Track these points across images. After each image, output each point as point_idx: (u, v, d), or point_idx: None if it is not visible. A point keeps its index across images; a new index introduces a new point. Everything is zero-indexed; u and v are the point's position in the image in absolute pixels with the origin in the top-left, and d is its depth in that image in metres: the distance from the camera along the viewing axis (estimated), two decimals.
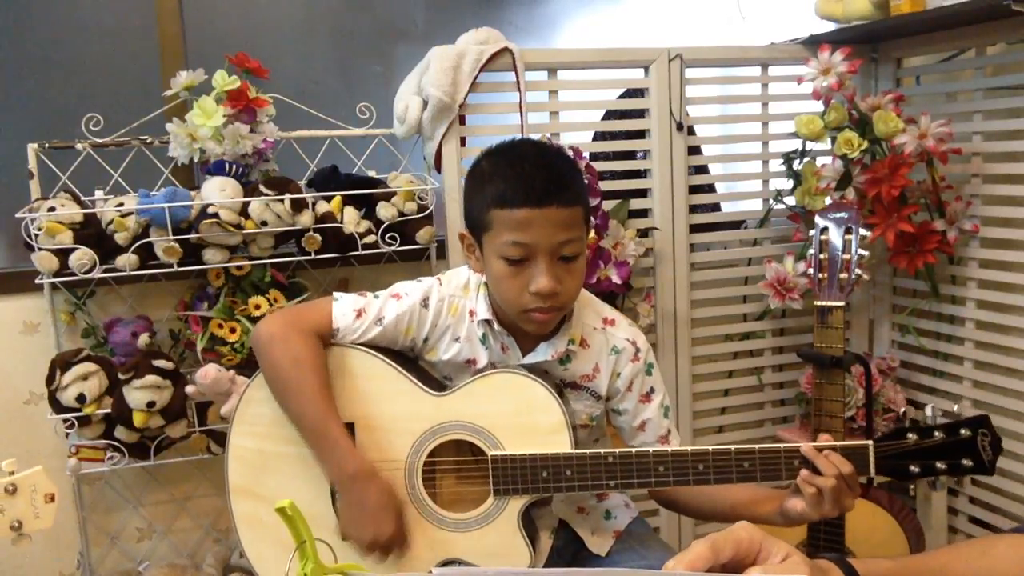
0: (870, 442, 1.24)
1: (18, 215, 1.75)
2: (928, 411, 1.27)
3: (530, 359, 1.35)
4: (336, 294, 1.39)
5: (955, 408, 1.29)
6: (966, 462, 1.21)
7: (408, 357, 1.41)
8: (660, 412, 1.41)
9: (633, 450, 1.28)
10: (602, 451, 1.27)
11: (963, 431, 1.21)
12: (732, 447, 1.25)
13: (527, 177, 1.22)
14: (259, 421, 1.36)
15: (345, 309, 1.36)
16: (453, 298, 1.39)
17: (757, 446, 1.25)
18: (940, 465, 1.22)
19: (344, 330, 1.35)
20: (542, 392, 1.30)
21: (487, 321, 1.35)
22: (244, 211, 1.81)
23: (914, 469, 1.23)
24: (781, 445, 1.25)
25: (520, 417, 1.30)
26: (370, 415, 1.33)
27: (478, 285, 1.38)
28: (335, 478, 1.30)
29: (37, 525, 1.10)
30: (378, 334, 1.36)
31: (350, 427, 1.33)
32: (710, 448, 1.26)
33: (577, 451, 1.28)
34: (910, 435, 1.23)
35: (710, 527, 2.33)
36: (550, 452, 1.28)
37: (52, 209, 1.76)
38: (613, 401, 1.41)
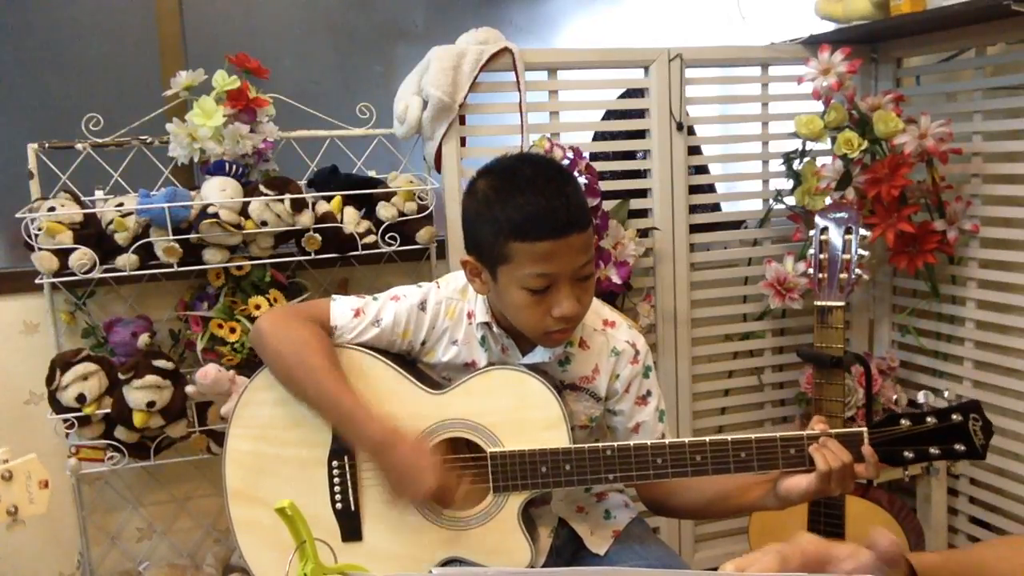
0: (864, 429, 1.25)
1: (18, 215, 1.75)
2: (921, 397, 1.28)
3: (529, 360, 1.35)
4: (334, 296, 1.39)
5: (946, 394, 1.29)
6: (958, 447, 1.23)
7: (406, 359, 1.41)
8: (656, 416, 1.41)
9: (631, 443, 1.28)
10: (600, 444, 1.28)
11: (955, 416, 1.23)
12: (729, 437, 1.26)
13: (547, 208, 1.20)
14: (256, 424, 1.36)
15: (343, 308, 1.37)
16: (451, 301, 1.39)
17: (754, 435, 1.26)
18: (933, 450, 1.24)
19: (342, 328, 1.36)
20: (539, 387, 1.30)
21: (486, 323, 1.35)
22: (244, 211, 1.81)
23: (908, 455, 1.25)
24: (777, 434, 1.26)
25: (517, 413, 1.30)
26: None
27: None
28: (362, 448, 1.30)
29: (32, 511, 1.13)
30: (375, 336, 1.36)
31: None
32: (707, 439, 1.26)
33: (575, 445, 1.28)
34: (903, 421, 1.24)
35: (710, 527, 2.33)
36: (548, 447, 1.28)
37: (52, 209, 1.76)
38: (610, 402, 1.41)
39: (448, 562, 1.31)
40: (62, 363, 1.77)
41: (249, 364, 1.79)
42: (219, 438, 1.91)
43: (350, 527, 1.34)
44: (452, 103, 1.93)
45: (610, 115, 2.19)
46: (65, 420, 1.78)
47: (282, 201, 1.82)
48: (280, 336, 1.31)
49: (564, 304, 1.23)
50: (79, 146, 1.87)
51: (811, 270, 1.72)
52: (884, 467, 1.27)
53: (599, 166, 2.02)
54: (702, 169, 2.23)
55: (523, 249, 1.21)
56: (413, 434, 1.29)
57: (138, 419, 1.77)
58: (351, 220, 1.92)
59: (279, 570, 1.30)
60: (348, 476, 1.33)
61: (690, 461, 1.26)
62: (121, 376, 1.78)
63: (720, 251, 2.27)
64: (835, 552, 0.72)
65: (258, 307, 1.85)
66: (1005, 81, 2.01)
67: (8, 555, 1.96)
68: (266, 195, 1.82)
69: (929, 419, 1.23)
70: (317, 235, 1.87)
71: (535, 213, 1.20)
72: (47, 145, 1.85)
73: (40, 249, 1.75)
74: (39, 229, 1.74)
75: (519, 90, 2.01)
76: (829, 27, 2.19)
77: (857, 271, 1.67)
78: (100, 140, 1.87)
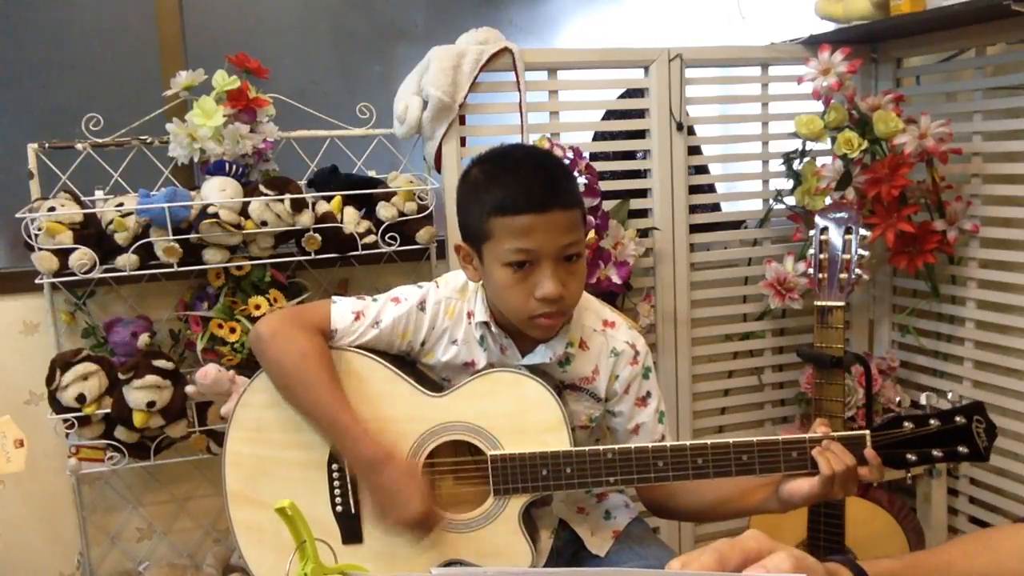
0: (867, 432, 1.24)
1: (18, 215, 1.75)
2: (923, 399, 1.27)
3: (528, 361, 1.35)
4: (334, 297, 1.39)
5: (949, 396, 1.29)
6: (962, 449, 1.23)
7: (405, 360, 1.41)
8: (655, 417, 1.41)
9: (632, 446, 1.28)
10: (601, 447, 1.28)
11: (958, 418, 1.22)
12: (730, 440, 1.25)
13: (527, 183, 1.22)
14: (255, 426, 1.36)
15: (343, 311, 1.36)
16: (450, 300, 1.38)
17: (756, 439, 1.25)
18: (936, 453, 1.23)
19: (342, 332, 1.35)
20: (540, 390, 1.30)
21: (485, 323, 1.35)
22: (244, 211, 1.81)
23: (911, 457, 1.24)
24: (779, 437, 1.25)
25: (518, 416, 1.30)
26: (368, 418, 1.32)
27: (476, 287, 1.38)
28: (353, 466, 1.29)
29: (9, 469, 1.17)
30: (375, 337, 1.36)
31: None
32: (708, 442, 1.26)
33: (576, 448, 1.28)
34: (906, 423, 1.24)
35: (710, 528, 2.32)
36: (549, 450, 1.28)
37: (52, 209, 1.76)
38: (610, 403, 1.41)
39: (449, 564, 1.31)
40: (62, 363, 1.77)
41: (249, 364, 1.79)
42: (219, 438, 1.91)
43: (350, 529, 1.33)
44: (452, 103, 1.93)
45: (610, 115, 2.19)
46: (65, 420, 1.78)
47: (282, 201, 1.82)
48: (280, 346, 1.31)
49: (546, 284, 1.22)
50: (79, 146, 1.87)
51: (811, 270, 1.72)
52: (887, 469, 1.26)
53: (599, 166, 2.02)
54: (702, 169, 2.22)
55: (503, 223, 1.21)
56: (404, 457, 1.29)
57: (138, 419, 1.77)
58: (351, 220, 1.92)
59: (279, 571, 1.30)
60: (348, 479, 1.33)
61: (691, 464, 1.26)
62: (121, 376, 1.78)
63: (720, 251, 2.27)
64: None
65: (258, 307, 1.85)
66: (1005, 81, 2.01)
67: (8, 555, 1.96)
68: (266, 195, 1.82)
69: (932, 421, 1.23)
70: (317, 235, 1.87)
71: (516, 188, 1.22)
72: (47, 145, 1.85)
73: (40, 249, 1.74)
74: (39, 229, 1.74)
75: (519, 90, 2.01)
76: (829, 27, 2.19)
77: (857, 271, 1.67)
78: (100, 140, 1.87)
